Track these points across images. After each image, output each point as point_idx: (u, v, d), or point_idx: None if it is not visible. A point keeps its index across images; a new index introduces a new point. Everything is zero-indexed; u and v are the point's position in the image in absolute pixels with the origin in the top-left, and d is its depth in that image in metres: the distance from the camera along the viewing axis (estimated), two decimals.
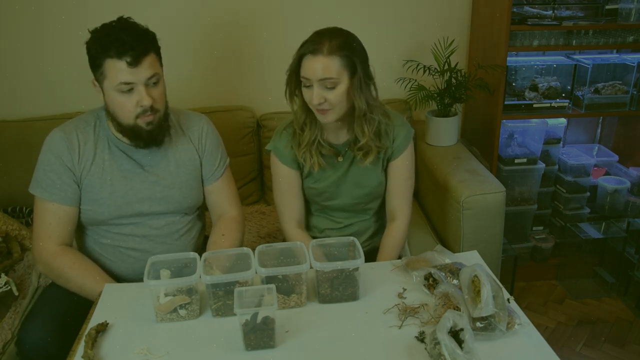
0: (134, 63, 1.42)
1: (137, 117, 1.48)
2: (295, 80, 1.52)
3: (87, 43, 1.46)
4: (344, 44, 1.46)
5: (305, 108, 1.56)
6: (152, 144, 1.56)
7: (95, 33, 1.46)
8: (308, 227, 1.77)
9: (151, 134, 1.52)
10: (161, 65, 1.52)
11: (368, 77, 1.52)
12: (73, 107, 2.26)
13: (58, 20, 2.26)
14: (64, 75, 2.32)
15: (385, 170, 1.68)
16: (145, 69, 1.44)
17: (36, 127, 2.17)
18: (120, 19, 1.48)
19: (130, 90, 1.45)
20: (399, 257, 1.74)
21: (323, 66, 1.44)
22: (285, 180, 1.67)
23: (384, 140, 1.62)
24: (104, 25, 1.46)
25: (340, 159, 1.64)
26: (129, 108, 1.47)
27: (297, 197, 1.70)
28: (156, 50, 1.50)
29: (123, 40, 1.40)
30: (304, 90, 1.51)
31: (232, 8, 2.33)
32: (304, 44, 1.48)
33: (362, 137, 1.57)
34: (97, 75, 1.47)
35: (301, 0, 2.36)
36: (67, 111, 2.26)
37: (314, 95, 1.47)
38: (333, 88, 1.47)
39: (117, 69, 1.42)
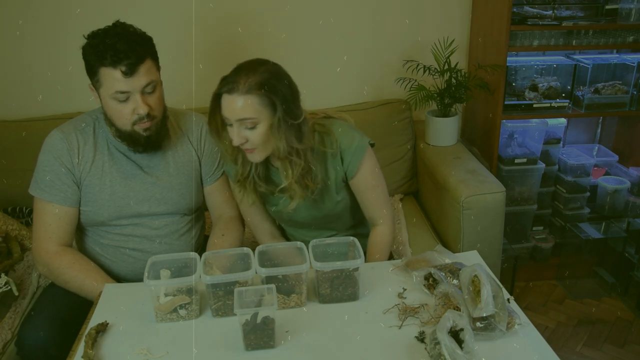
0: (129, 72, 1.41)
1: (133, 124, 1.48)
2: (219, 119, 1.44)
3: (83, 49, 1.45)
4: (262, 82, 1.35)
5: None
6: (150, 149, 1.56)
7: (90, 39, 1.44)
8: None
9: (149, 139, 1.52)
10: (158, 69, 1.52)
11: (292, 117, 1.40)
12: (73, 107, 2.26)
13: (58, 21, 2.26)
14: (64, 75, 2.32)
15: (345, 187, 1.60)
16: (140, 78, 1.43)
17: (36, 127, 2.18)
18: (116, 24, 1.47)
19: (127, 98, 1.45)
20: (393, 258, 1.74)
21: (240, 106, 1.35)
22: (239, 199, 1.63)
23: (318, 176, 1.51)
24: (99, 31, 1.45)
25: (284, 192, 1.54)
26: (125, 116, 1.47)
27: (260, 213, 1.67)
28: (153, 55, 1.49)
29: (117, 49, 1.39)
30: (228, 129, 1.42)
31: (233, 7, 2.33)
32: (222, 80, 1.38)
33: (285, 180, 1.48)
34: (93, 82, 1.47)
35: (302, 1, 2.36)
36: (67, 111, 2.26)
37: (234, 136, 1.39)
38: (253, 128, 1.38)
39: (113, 78, 1.41)
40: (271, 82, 1.37)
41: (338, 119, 1.59)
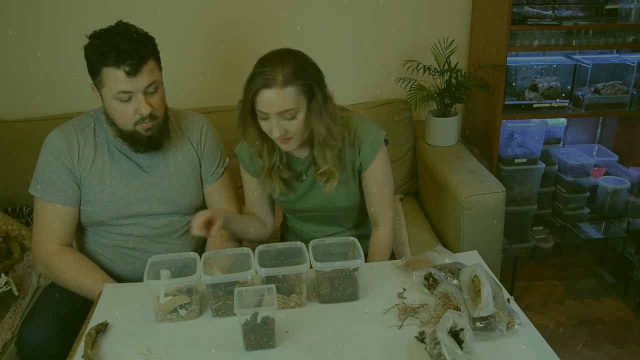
0: (133, 72, 1.41)
1: (136, 124, 1.48)
2: (250, 114, 1.43)
3: (85, 48, 1.45)
4: (298, 71, 1.36)
5: (261, 137, 1.47)
6: (152, 149, 1.56)
7: (93, 39, 1.44)
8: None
9: (150, 139, 1.53)
10: (160, 70, 1.52)
11: (326, 100, 1.43)
12: (73, 107, 2.26)
13: (58, 21, 2.26)
14: (64, 75, 2.32)
15: (359, 182, 1.60)
16: (143, 78, 1.43)
17: (36, 127, 2.17)
18: (119, 24, 1.47)
19: (129, 98, 1.45)
20: (394, 258, 1.74)
21: (280, 99, 1.35)
22: (247, 185, 1.64)
23: (345, 160, 1.54)
24: (102, 31, 1.45)
25: (304, 177, 1.57)
26: (127, 115, 1.47)
27: (259, 202, 1.66)
28: (155, 55, 1.49)
29: (121, 49, 1.39)
30: (262, 123, 1.42)
31: (233, 7, 2.33)
32: (255, 76, 1.37)
33: (324, 164, 1.49)
34: (95, 82, 1.47)
35: (302, 0, 2.36)
36: (67, 111, 2.26)
37: (273, 129, 1.39)
38: (293, 118, 1.39)
39: (116, 78, 1.42)
40: (306, 70, 1.39)
41: (355, 112, 1.60)
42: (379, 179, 1.58)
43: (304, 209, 1.64)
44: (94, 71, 1.44)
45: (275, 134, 1.40)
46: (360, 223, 1.72)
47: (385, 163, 1.58)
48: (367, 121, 1.58)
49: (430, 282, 1.36)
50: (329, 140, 1.46)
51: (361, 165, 1.56)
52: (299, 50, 1.45)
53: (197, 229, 1.37)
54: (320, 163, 1.50)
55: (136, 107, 1.46)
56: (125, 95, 1.44)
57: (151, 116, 1.48)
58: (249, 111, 1.43)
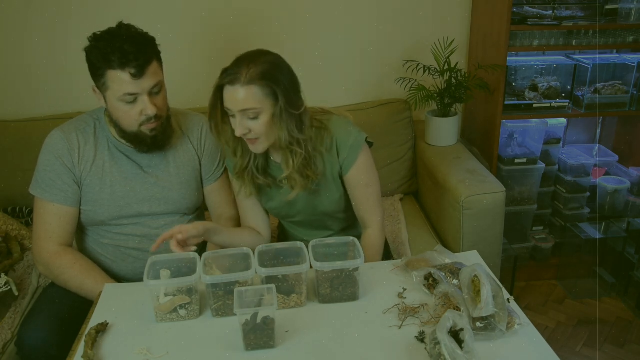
0: (138, 74, 1.41)
1: (141, 125, 1.49)
2: (220, 111, 1.44)
3: (87, 51, 1.44)
4: (264, 72, 1.36)
5: (235, 136, 1.47)
6: (155, 149, 1.56)
7: (94, 42, 1.44)
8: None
9: (155, 139, 1.53)
10: (162, 70, 1.52)
11: (293, 107, 1.41)
12: (73, 107, 2.26)
13: (58, 21, 2.26)
14: (64, 75, 2.32)
15: (343, 186, 1.59)
16: (148, 79, 1.44)
17: (36, 127, 2.18)
18: (120, 25, 1.46)
19: (134, 100, 1.45)
20: (393, 258, 1.73)
21: (242, 97, 1.36)
22: (237, 191, 1.63)
23: (320, 167, 1.53)
24: (103, 34, 1.44)
25: (285, 182, 1.55)
26: (133, 117, 1.47)
27: (252, 211, 1.65)
28: (157, 56, 1.49)
29: (125, 51, 1.39)
30: (230, 120, 1.43)
31: (234, 7, 2.34)
32: (224, 72, 1.39)
33: (286, 169, 1.49)
34: (98, 85, 1.46)
35: (303, 1, 2.36)
36: (67, 111, 2.27)
37: (237, 127, 1.40)
38: (256, 118, 1.39)
39: (121, 80, 1.41)
40: (272, 72, 1.38)
41: (336, 115, 1.59)
42: (363, 181, 1.57)
43: (290, 214, 1.64)
44: (97, 74, 1.44)
45: (237, 132, 1.41)
46: (350, 226, 1.72)
47: (367, 166, 1.56)
48: (346, 124, 1.56)
49: (430, 282, 1.36)
50: (293, 147, 1.45)
51: (342, 169, 1.55)
52: (276, 54, 1.45)
53: (175, 247, 1.38)
54: (283, 167, 1.51)
55: (142, 108, 1.46)
56: (131, 97, 1.44)
57: (156, 116, 1.48)
58: (220, 109, 1.43)
